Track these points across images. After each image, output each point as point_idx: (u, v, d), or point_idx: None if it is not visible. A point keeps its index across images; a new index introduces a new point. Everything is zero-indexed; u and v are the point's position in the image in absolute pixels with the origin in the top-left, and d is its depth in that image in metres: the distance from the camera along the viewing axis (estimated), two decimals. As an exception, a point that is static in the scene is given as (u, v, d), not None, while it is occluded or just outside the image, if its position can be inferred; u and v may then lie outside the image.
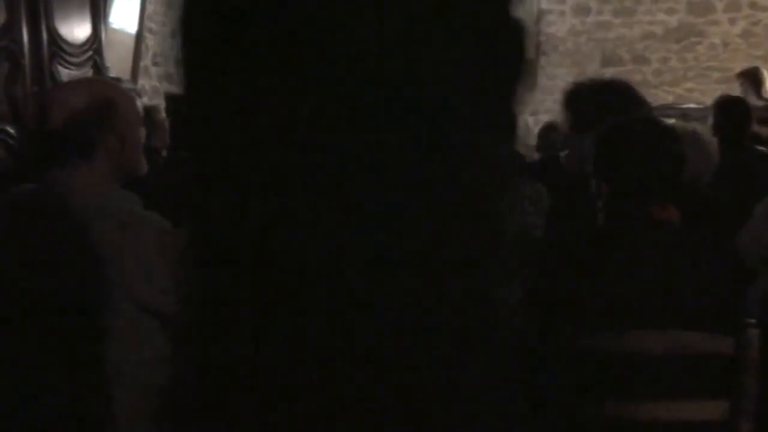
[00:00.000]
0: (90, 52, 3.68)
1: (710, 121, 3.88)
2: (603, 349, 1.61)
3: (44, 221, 1.78)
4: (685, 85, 8.34)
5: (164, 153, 4.08)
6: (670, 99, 8.14)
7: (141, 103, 1.95)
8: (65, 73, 3.46)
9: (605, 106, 2.29)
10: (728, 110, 3.89)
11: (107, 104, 1.88)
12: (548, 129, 5.41)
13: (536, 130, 5.92)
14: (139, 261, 1.75)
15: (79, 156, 1.84)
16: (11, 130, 3.13)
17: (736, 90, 6.67)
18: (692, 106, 7.08)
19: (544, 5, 8.63)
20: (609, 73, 8.38)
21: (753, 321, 1.65)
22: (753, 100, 6.19)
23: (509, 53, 0.56)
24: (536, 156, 5.34)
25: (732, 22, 8.14)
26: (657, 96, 7.99)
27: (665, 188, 1.77)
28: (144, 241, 1.76)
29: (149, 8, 6.60)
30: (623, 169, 1.79)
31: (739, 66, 7.25)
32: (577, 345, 1.59)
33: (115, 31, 5.73)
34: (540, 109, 8.70)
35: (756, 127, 4.54)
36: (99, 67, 3.74)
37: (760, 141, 4.16)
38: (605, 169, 1.85)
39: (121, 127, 1.90)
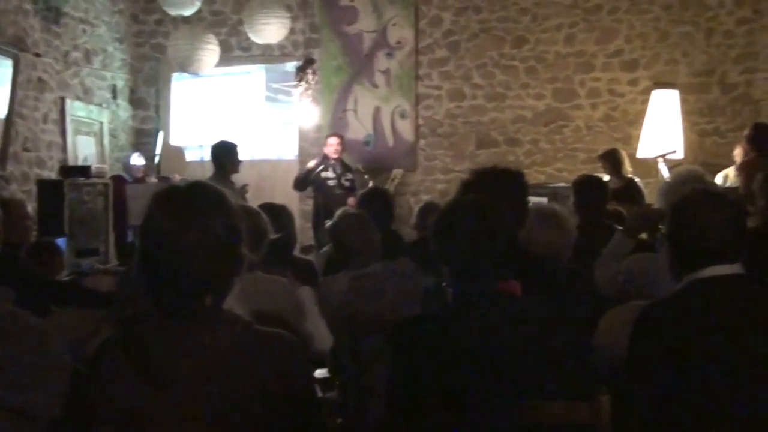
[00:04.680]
0: (-48, 140, 3.54)
1: (571, 199, 4.12)
2: (462, 425, 1.64)
3: None
4: (554, 166, 8.80)
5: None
6: (541, 178, 8.56)
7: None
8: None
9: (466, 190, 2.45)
10: (585, 190, 4.15)
11: None
12: (427, 208, 5.56)
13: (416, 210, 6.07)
14: (7, 363, 1.69)
15: None
16: None
17: (600, 170, 7.11)
18: (561, 185, 7.47)
19: (422, 90, 9.00)
20: (484, 154, 8.77)
21: (603, 387, 1.72)
22: (614, 180, 6.62)
23: None
24: (415, 235, 5.46)
25: (593, 107, 8.73)
26: (529, 176, 8.28)
27: (498, 265, 1.83)
28: (13, 341, 1.70)
29: (20, 93, 6.44)
30: (450, 250, 1.85)
31: (602, 147, 7.74)
32: (435, 422, 1.62)
33: (-18, 117, 5.56)
34: (421, 189, 8.96)
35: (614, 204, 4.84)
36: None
37: (620, 219, 4.36)
38: (436, 250, 1.93)
39: None
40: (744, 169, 5.53)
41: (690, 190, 2.15)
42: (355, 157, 8.62)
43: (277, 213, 3.48)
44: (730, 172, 6.03)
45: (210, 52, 6.96)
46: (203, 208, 1.61)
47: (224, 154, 6.17)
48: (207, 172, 6.30)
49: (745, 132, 5.93)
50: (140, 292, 1.69)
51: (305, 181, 7.78)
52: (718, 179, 5.93)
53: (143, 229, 1.63)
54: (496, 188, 2.54)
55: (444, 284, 1.88)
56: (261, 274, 2.87)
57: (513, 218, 1.91)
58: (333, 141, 7.88)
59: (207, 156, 6.43)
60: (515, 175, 2.77)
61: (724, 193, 2.59)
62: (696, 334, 1.86)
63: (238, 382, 1.55)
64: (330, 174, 7.72)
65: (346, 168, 7.91)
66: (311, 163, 7.74)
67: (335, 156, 7.82)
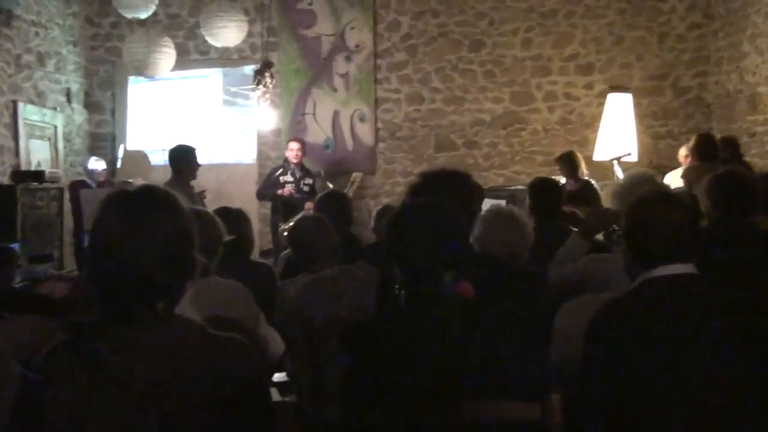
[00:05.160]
0: None
1: (527, 202, 4.16)
2: (416, 425, 1.65)
3: None
4: (512, 168, 8.88)
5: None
6: (500, 181, 8.64)
7: None
8: None
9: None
10: (540, 192, 4.20)
11: None
12: (384, 211, 5.56)
13: (376, 213, 6.06)
14: None
15: None
16: None
17: (557, 172, 7.19)
18: (519, 187, 7.52)
19: (380, 93, 9.02)
20: (443, 157, 8.81)
21: (555, 386, 1.74)
22: (570, 182, 6.71)
23: None
24: (374, 238, 5.46)
25: (550, 110, 8.83)
26: (488, 178, 8.48)
27: (449, 267, 1.85)
28: None
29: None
30: (400, 253, 1.86)
31: (559, 150, 7.83)
32: (389, 423, 1.63)
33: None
34: (380, 192, 8.97)
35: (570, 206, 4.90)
36: None
37: (576, 221, 4.39)
38: (388, 253, 1.94)
39: None
40: (686, 177, 5.69)
41: (646, 191, 2.19)
42: (314, 160, 8.61)
43: (233, 217, 3.46)
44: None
45: (166, 55, 6.88)
46: (153, 212, 1.60)
47: (181, 159, 6.11)
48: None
49: (690, 143, 6.09)
50: (92, 297, 1.66)
51: (267, 195, 7.79)
52: (666, 179, 6.07)
53: (93, 234, 1.61)
54: (443, 191, 2.54)
55: (396, 287, 1.89)
56: (217, 278, 2.85)
57: (463, 220, 1.93)
58: (293, 146, 7.89)
59: (169, 160, 6.35)
60: (462, 176, 2.76)
61: (678, 194, 2.64)
62: (645, 332, 1.89)
63: (191, 386, 1.54)
64: (289, 178, 7.71)
65: (306, 172, 7.91)
66: (281, 191, 7.65)
67: (295, 160, 7.82)
